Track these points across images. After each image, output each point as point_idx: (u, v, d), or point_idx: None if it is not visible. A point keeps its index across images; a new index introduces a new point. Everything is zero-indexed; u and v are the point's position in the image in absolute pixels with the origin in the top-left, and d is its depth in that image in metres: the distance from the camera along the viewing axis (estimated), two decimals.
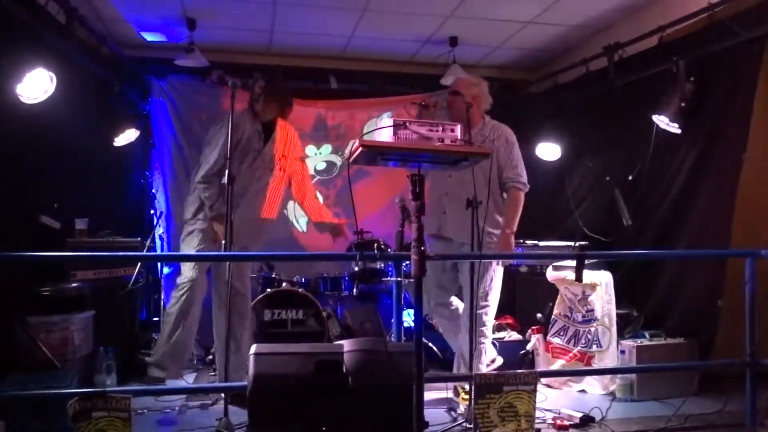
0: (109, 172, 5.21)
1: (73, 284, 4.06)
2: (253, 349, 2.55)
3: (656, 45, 4.59)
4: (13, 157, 3.80)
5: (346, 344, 2.62)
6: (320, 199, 4.43)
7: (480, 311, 3.77)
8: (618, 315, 4.24)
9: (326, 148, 6.30)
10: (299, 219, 6.18)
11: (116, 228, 4.74)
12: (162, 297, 5.45)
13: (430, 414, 3.58)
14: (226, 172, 3.27)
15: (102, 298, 4.23)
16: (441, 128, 2.42)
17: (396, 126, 2.38)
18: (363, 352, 2.55)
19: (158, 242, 5.63)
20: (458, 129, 2.45)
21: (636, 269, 4.69)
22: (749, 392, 3.36)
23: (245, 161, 3.89)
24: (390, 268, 4.82)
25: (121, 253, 4.45)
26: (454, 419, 3.55)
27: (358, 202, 5.95)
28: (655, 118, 4.33)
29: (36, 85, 3.71)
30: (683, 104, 4.18)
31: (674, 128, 4.27)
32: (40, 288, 3.84)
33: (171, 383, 4.29)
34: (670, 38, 4.47)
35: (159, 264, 5.52)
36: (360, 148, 2.34)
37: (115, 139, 5.02)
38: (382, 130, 2.44)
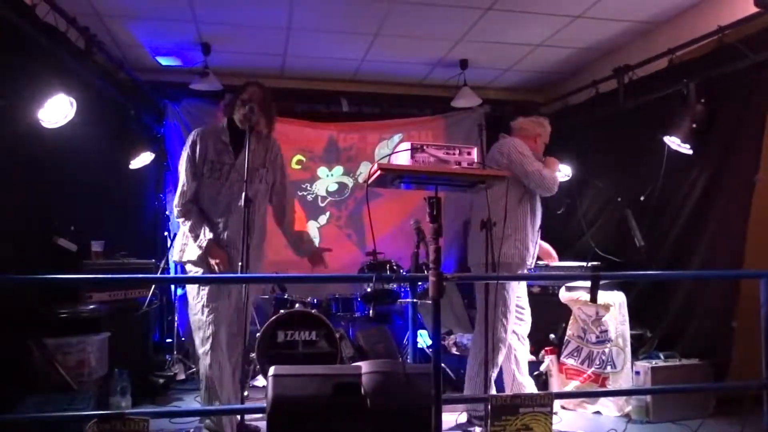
0: (124, 195, 5.28)
1: (89, 306, 4.07)
2: (272, 370, 2.55)
3: (666, 67, 4.63)
4: (32, 181, 3.86)
5: (364, 366, 2.61)
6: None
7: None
8: (632, 336, 4.22)
9: (338, 170, 6.35)
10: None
11: (131, 250, 4.78)
12: (175, 318, 5.48)
13: None
14: (243, 195, 3.10)
15: (117, 319, 4.25)
16: (458, 151, 2.45)
17: (413, 149, 2.41)
18: (381, 373, 2.54)
19: (172, 264, 5.66)
20: (474, 152, 2.48)
21: (649, 290, 4.69)
22: (767, 415, 3.33)
23: (221, 177, 3.46)
24: (403, 289, 4.82)
25: (136, 276, 4.48)
26: None
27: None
28: (667, 139, 4.35)
29: (56, 111, 3.77)
30: (694, 125, 4.20)
31: (686, 149, 4.29)
32: (57, 310, 3.86)
33: (184, 405, 4.31)
34: (680, 60, 4.51)
35: (173, 286, 5.55)
36: (378, 172, 2.37)
37: (131, 162, 5.09)
38: (400, 153, 2.48)
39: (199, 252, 3.42)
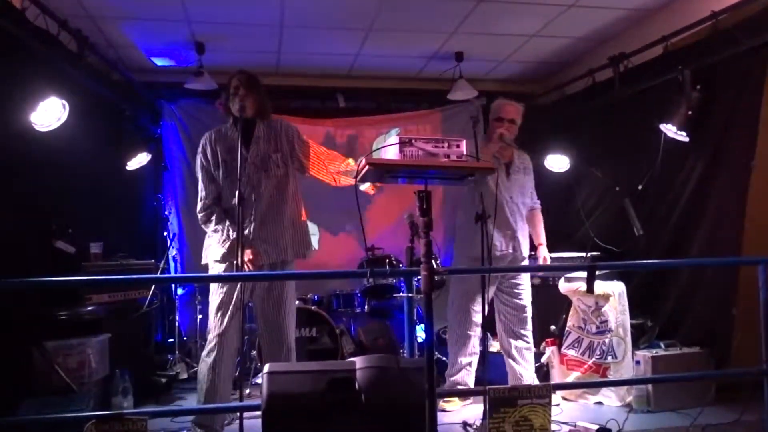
0: (122, 196, 5.29)
1: (89, 308, 4.09)
2: (266, 368, 2.55)
3: (661, 54, 4.60)
4: (28, 184, 3.87)
5: (359, 361, 2.61)
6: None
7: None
8: (632, 325, 4.21)
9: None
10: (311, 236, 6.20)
11: (130, 251, 4.80)
12: (177, 318, 5.50)
13: (445, 429, 3.59)
14: (237, 193, 3.13)
15: (117, 320, 4.27)
16: (446, 144, 2.44)
17: (402, 143, 2.41)
18: (375, 368, 2.54)
19: (172, 264, 5.69)
20: (463, 145, 2.47)
21: (649, 279, 4.68)
22: (766, 401, 3.32)
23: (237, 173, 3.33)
24: (402, 284, 4.83)
25: (135, 276, 4.49)
26: None
27: (369, 219, 6.01)
28: (663, 126, 4.33)
29: (49, 113, 3.79)
30: (690, 112, 4.19)
31: (682, 136, 4.27)
32: (57, 312, 3.88)
33: (187, 404, 4.33)
34: (675, 47, 4.48)
35: (173, 285, 5.57)
36: (366, 166, 2.36)
37: (128, 163, 5.10)
38: (389, 147, 2.47)
39: (223, 251, 3.44)
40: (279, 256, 3.52)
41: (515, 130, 4.11)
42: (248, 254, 3.34)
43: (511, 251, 4.01)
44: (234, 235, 3.38)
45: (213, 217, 3.48)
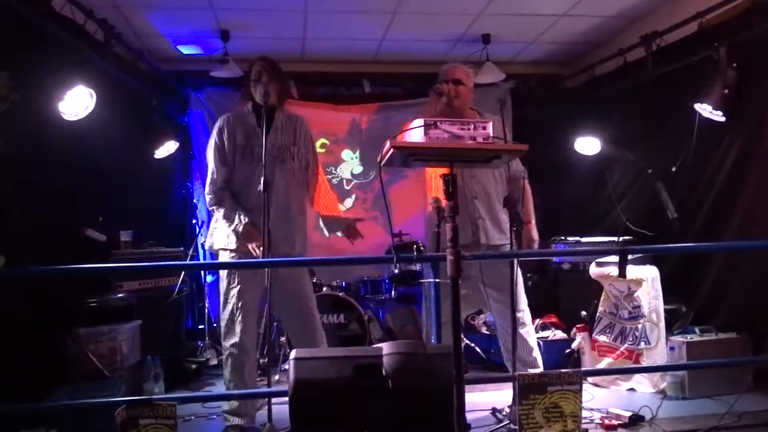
0: (150, 185, 5.35)
1: (120, 295, 4.15)
2: (293, 354, 2.56)
3: (695, 32, 4.45)
4: (58, 174, 3.91)
5: (385, 347, 2.60)
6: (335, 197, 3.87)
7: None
8: (666, 310, 4.12)
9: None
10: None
11: (160, 238, 4.84)
12: (206, 305, 5.55)
13: (474, 416, 3.56)
14: (262, 179, 3.15)
15: (148, 307, 4.31)
16: (472, 126, 2.39)
17: (426, 125, 2.36)
18: (402, 354, 2.53)
19: (201, 251, 5.73)
20: (490, 126, 2.41)
21: (683, 263, 4.56)
22: None
23: (254, 160, 3.41)
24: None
25: (165, 263, 4.53)
26: (499, 420, 3.50)
27: (396, 204, 6.00)
28: (698, 106, 4.20)
29: (77, 103, 3.82)
30: (726, 91, 4.05)
31: (718, 116, 4.13)
32: (88, 300, 3.94)
33: (216, 390, 4.37)
34: (710, 24, 4.33)
35: (202, 272, 5.62)
36: (391, 150, 2.32)
37: (156, 152, 5.13)
38: (414, 130, 2.43)
39: (233, 238, 3.42)
40: (288, 249, 3.51)
41: (465, 93, 3.66)
42: (257, 240, 3.31)
43: (475, 241, 3.61)
44: (246, 220, 3.36)
45: (225, 202, 3.44)
